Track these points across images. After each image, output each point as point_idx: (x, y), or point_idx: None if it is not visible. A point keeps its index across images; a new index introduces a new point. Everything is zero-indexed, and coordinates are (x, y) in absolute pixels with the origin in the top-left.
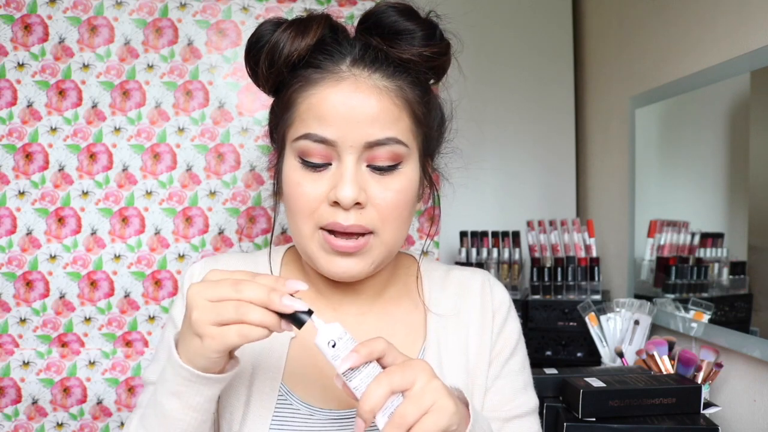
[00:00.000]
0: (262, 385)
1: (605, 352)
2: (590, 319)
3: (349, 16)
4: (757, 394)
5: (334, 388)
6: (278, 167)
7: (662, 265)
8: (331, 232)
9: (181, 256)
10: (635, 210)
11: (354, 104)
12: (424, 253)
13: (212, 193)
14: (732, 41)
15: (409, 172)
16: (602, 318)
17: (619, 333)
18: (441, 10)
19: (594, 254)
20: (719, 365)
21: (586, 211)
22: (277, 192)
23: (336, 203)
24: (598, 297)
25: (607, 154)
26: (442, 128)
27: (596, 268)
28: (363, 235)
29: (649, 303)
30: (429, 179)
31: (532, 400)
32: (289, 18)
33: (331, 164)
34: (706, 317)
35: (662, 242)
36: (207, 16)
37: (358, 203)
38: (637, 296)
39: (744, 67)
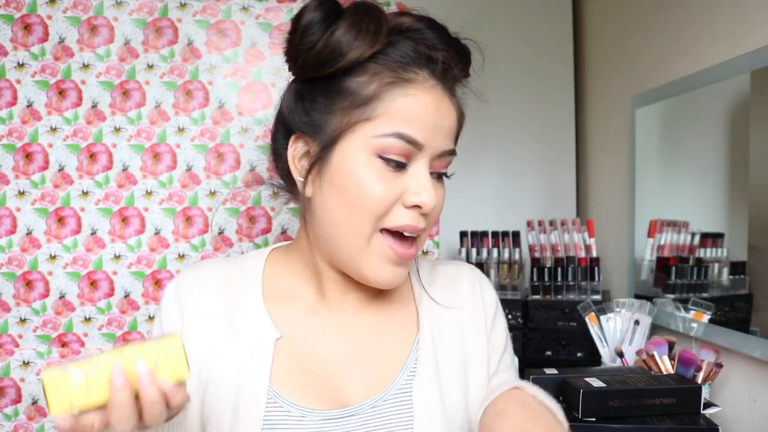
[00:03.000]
0: (249, 388)
1: (605, 352)
2: (590, 319)
3: (385, 3)
4: (757, 394)
5: (325, 389)
6: (321, 159)
7: (662, 265)
8: (393, 235)
9: (181, 256)
10: (635, 210)
11: (443, 112)
12: (424, 253)
13: (212, 193)
14: (732, 41)
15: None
16: (602, 318)
17: (619, 333)
18: (440, 11)
19: (594, 254)
20: (719, 365)
21: (586, 211)
22: (288, 187)
23: (414, 206)
24: (598, 297)
25: (607, 154)
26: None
27: (596, 268)
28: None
29: (649, 303)
30: None
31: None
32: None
33: (407, 167)
34: (706, 317)
35: (662, 242)
36: (207, 16)
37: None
38: (637, 296)
39: (744, 67)
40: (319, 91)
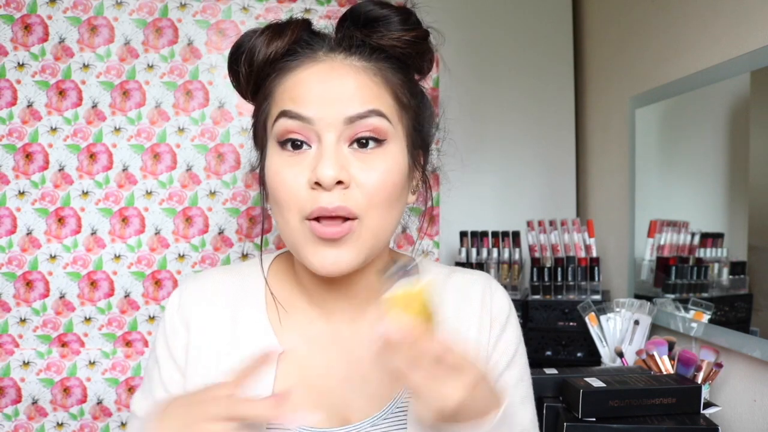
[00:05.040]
0: None
1: (605, 352)
2: (590, 319)
3: None
4: (757, 394)
5: (325, 406)
6: (262, 167)
7: (662, 265)
8: (317, 220)
9: (181, 256)
10: (635, 210)
11: (330, 82)
12: (424, 253)
13: (212, 193)
14: (732, 41)
15: (396, 153)
16: (602, 318)
17: (619, 333)
18: (441, 11)
19: (594, 254)
20: (719, 365)
21: (586, 211)
22: (265, 197)
23: (317, 184)
24: (598, 297)
25: (607, 154)
26: (431, 122)
27: (596, 268)
28: (347, 220)
29: (649, 303)
30: (422, 172)
31: (527, 416)
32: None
33: (310, 146)
34: (706, 317)
35: (662, 242)
36: (207, 16)
37: (340, 182)
38: (637, 296)
39: (744, 67)
40: (256, 106)
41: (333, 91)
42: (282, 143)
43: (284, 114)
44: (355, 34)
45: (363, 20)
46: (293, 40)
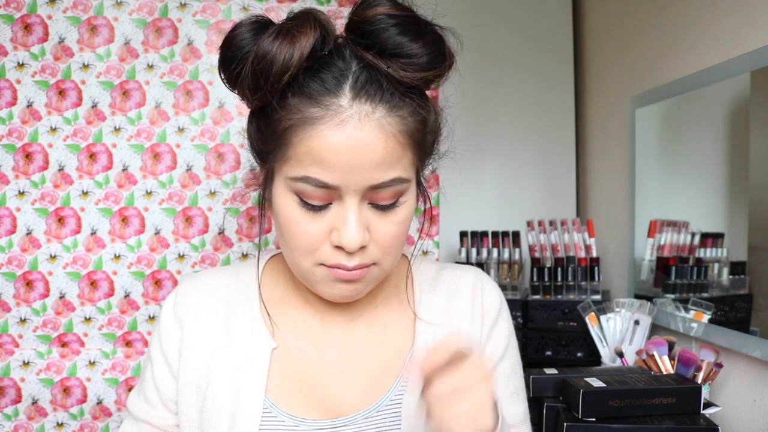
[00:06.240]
0: (245, 399)
1: (605, 352)
2: (590, 319)
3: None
4: (757, 394)
5: (319, 398)
6: (267, 185)
7: (662, 265)
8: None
9: (181, 256)
10: (635, 210)
11: (358, 150)
12: (424, 253)
13: (212, 193)
14: (732, 41)
15: (410, 202)
16: (602, 318)
17: (619, 333)
18: (440, 11)
19: (594, 254)
20: (719, 365)
21: (586, 211)
22: (264, 205)
23: (339, 247)
24: (598, 297)
25: (607, 154)
26: (437, 133)
27: (596, 268)
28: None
29: (649, 303)
30: (424, 189)
31: (520, 410)
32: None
33: (331, 204)
34: (706, 317)
35: (662, 242)
36: (207, 16)
37: (362, 246)
38: (637, 296)
39: (744, 67)
40: (262, 123)
41: (360, 159)
42: (302, 200)
43: (307, 180)
44: (372, 63)
45: (386, 52)
46: (310, 48)
